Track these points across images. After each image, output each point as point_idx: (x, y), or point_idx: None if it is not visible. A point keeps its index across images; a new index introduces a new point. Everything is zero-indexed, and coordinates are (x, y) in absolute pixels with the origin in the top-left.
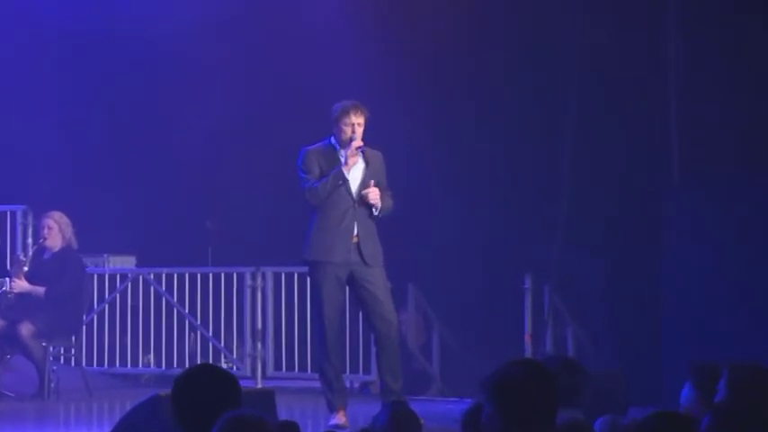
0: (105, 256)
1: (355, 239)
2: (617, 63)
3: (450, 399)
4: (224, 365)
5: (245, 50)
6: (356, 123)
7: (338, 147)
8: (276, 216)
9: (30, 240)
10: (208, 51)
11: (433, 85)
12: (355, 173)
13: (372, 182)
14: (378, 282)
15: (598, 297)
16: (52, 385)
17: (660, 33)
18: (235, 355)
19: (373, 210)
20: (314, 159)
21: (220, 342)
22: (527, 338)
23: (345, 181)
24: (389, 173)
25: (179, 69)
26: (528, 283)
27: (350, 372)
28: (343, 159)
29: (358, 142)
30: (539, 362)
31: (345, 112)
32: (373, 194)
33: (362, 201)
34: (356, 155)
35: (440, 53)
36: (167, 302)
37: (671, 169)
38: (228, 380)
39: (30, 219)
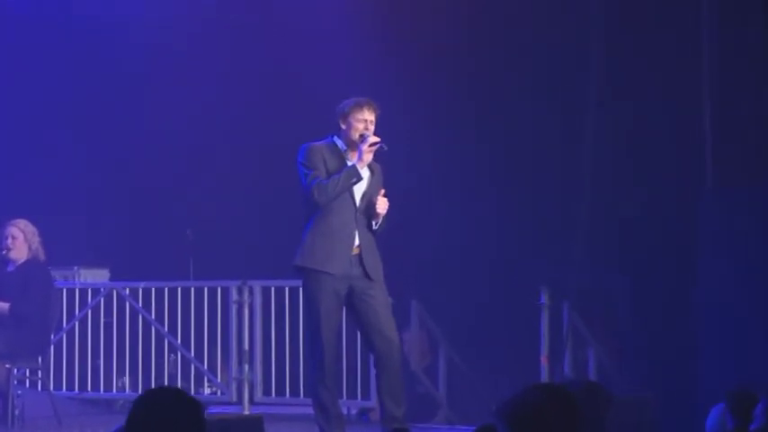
0: (75, 268)
1: (356, 251)
2: (643, 61)
3: (458, 426)
4: (207, 390)
5: (230, 45)
6: (369, 120)
7: (344, 146)
8: (265, 224)
9: None
10: (187, 46)
11: (437, 83)
12: (362, 173)
13: (383, 191)
14: (379, 297)
15: (623, 314)
16: (17, 412)
17: (693, 31)
18: (219, 379)
19: (373, 223)
20: (319, 155)
21: (203, 364)
22: (543, 360)
23: (360, 180)
24: (387, 179)
25: (154, 64)
26: (544, 299)
27: (347, 397)
28: (354, 159)
29: (374, 138)
30: (560, 387)
31: (359, 107)
32: (383, 204)
33: (366, 211)
34: (372, 151)
35: (443, 51)
36: (144, 320)
37: (704, 173)
38: (191, 406)
39: None
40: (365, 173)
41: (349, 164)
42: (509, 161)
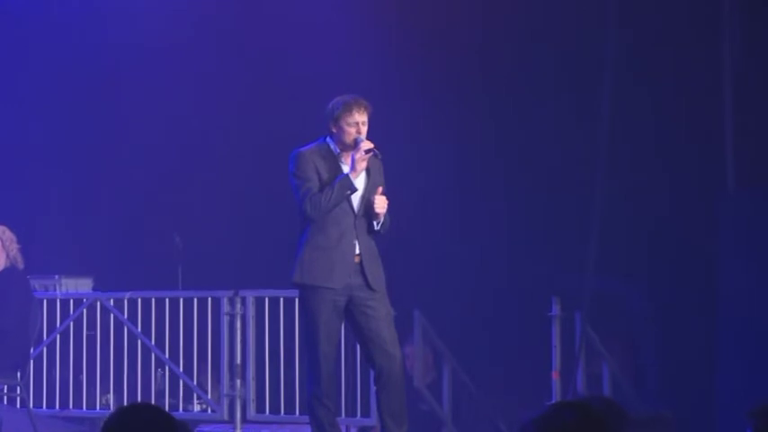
0: (57, 277)
1: (357, 259)
2: (662, 60)
3: None
4: (197, 407)
5: (219, 42)
6: (360, 122)
7: (337, 149)
8: (258, 230)
9: None
10: (174, 47)
11: (442, 82)
12: (357, 182)
13: (380, 188)
14: (380, 308)
15: (640, 326)
16: None
17: (713, 30)
18: (209, 395)
19: (375, 223)
20: (311, 163)
21: (192, 380)
22: (554, 376)
23: (354, 191)
24: (389, 180)
25: (142, 64)
26: (555, 310)
27: (345, 415)
28: (349, 163)
29: (367, 144)
30: (589, 405)
31: (348, 110)
32: (382, 203)
33: (366, 214)
34: (366, 159)
35: (453, 47)
36: (130, 333)
37: (725, 175)
38: (169, 425)
39: None
40: (361, 178)
41: (344, 168)
42: (518, 162)
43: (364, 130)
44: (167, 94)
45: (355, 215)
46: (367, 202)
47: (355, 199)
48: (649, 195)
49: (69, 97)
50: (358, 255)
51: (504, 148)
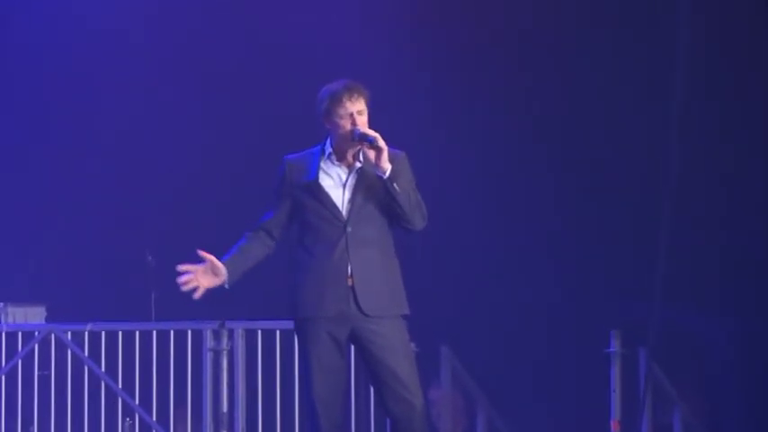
0: (2, 306)
1: (350, 281)
2: (727, 80)
3: None
4: None
5: (200, 35)
6: (355, 112)
7: (329, 149)
8: None
9: None
10: (146, 52)
11: (476, 83)
12: (342, 180)
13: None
14: (390, 342)
15: (718, 366)
16: None
17: None
18: None
19: (392, 186)
20: (285, 184)
21: (168, 430)
22: (614, 426)
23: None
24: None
25: (107, 65)
26: (615, 347)
27: None
28: (348, 162)
29: (368, 130)
30: None
31: (337, 101)
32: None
33: (363, 219)
34: (378, 147)
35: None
36: (91, 372)
37: None
38: None
39: None
40: (341, 170)
41: (334, 173)
42: (570, 173)
43: (362, 120)
44: (132, 90)
45: (345, 222)
46: (362, 205)
47: (341, 203)
48: (731, 212)
49: (22, 104)
50: (350, 276)
51: (556, 155)
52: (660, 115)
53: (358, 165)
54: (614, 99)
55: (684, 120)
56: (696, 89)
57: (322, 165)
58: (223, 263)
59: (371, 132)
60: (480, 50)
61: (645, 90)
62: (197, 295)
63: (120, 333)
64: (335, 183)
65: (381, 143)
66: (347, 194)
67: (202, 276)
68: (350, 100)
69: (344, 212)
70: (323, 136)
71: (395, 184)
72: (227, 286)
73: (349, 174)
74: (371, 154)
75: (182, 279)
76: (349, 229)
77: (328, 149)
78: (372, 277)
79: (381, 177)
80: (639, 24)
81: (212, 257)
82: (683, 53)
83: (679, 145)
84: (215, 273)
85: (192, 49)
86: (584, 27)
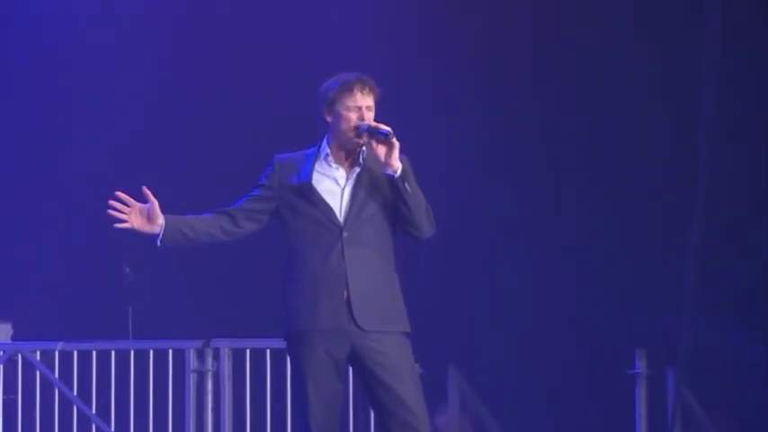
0: None
1: (345, 293)
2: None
3: None
4: None
5: (200, 35)
6: (365, 106)
7: (327, 150)
8: (235, 260)
9: None
10: (130, 45)
11: (485, 80)
12: (338, 183)
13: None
14: (393, 362)
15: (755, 390)
16: None
17: None
18: None
19: (403, 184)
20: (274, 177)
21: None
22: None
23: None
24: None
25: (82, 55)
26: (640, 367)
27: None
28: (346, 163)
29: (380, 124)
30: None
31: (347, 90)
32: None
33: (362, 224)
34: (390, 143)
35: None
36: (62, 396)
37: None
38: None
39: None
40: (341, 173)
41: (330, 176)
42: (592, 179)
43: (369, 116)
44: (107, 84)
45: (341, 228)
46: (361, 211)
47: (338, 207)
48: (761, 218)
49: None
50: (346, 288)
51: (575, 161)
52: (690, 121)
53: (357, 169)
54: (642, 103)
55: (715, 127)
56: (726, 94)
57: (317, 166)
58: (165, 217)
59: (384, 126)
60: (496, 51)
61: (674, 94)
62: (120, 226)
63: (94, 353)
64: (331, 185)
65: (395, 139)
66: (344, 198)
67: (136, 215)
68: (361, 92)
69: (341, 217)
70: (320, 137)
71: (406, 184)
72: (158, 243)
73: (347, 176)
74: (382, 151)
75: (114, 206)
76: (345, 233)
77: (324, 151)
78: (370, 286)
79: (392, 177)
80: (668, 21)
81: (156, 202)
82: (711, 62)
83: (709, 150)
84: (151, 219)
85: (191, 49)
86: (612, 27)
